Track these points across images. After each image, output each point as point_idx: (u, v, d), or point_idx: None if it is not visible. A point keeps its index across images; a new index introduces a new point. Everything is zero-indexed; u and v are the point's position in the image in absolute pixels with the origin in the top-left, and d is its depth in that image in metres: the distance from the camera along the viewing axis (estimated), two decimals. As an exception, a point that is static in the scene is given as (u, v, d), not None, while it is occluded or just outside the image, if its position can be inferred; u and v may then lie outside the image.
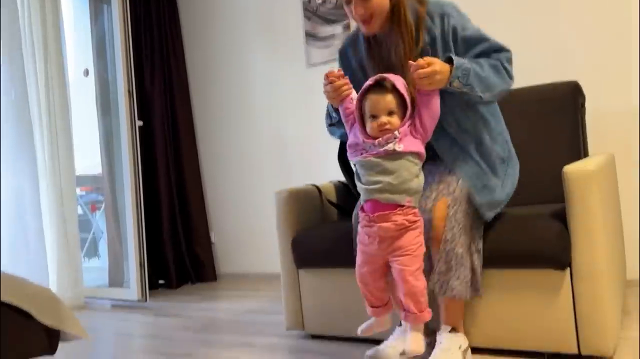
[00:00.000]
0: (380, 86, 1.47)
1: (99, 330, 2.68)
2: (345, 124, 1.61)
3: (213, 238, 3.96)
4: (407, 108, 1.47)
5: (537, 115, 2.22)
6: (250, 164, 3.82)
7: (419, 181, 1.47)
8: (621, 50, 2.53)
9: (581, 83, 2.23)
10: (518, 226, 1.67)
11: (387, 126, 1.45)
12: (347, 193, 2.37)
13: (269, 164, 3.74)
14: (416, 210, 1.48)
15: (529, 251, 1.62)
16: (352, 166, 1.75)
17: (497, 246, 1.66)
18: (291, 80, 3.59)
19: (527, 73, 2.54)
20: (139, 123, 3.33)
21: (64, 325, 1.14)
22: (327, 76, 1.59)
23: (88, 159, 3.94)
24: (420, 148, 1.48)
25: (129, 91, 3.23)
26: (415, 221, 1.46)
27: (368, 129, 1.49)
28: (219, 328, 2.46)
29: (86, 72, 3.60)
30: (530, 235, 1.62)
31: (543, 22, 2.70)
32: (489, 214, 1.63)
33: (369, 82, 1.49)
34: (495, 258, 1.66)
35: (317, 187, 2.37)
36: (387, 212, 1.43)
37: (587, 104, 2.28)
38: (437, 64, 1.44)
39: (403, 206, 1.44)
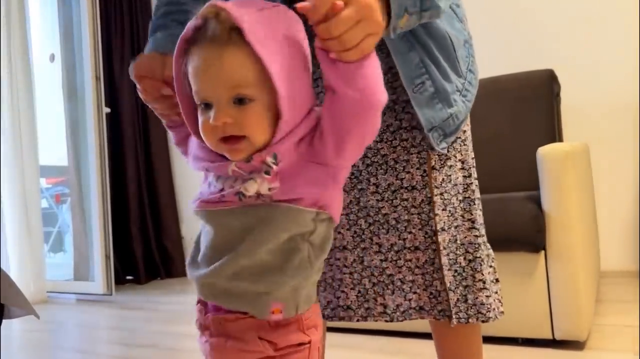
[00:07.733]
0: (208, 34, 0.60)
1: (60, 323, 2.57)
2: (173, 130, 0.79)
3: (183, 232, 3.85)
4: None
5: (513, 103, 2.19)
6: (223, 156, 3.72)
7: (311, 267, 0.65)
8: (597, 43, 2.53)
9: (557, 74, 2.21)
10: (491, 208, 1.61)
11: (229, 131, 0.60)
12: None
13: (242, 155, 3.65)
14: (301, 320, 0.66)
15: (502, 234, 1.57)
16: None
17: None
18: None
19: (504, 61, 2.53)
20: (107, 110, 3.22)
21: (10, 300, 1.03)
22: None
23: (55, 150, 3.79)
24: (323, 193, 0.64)
25: (96, 76, 3.11)
26: (302, 344, 0.66)
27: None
28: (185, 320, 2.37)
29: (52, 58, 3.46)
30: (504, 218, 1.58)
31: (521, 11, 2.69)
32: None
33: (190, 22, 0.62)
34: (469, 242, 1.61)
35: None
36: (234, 318, 0.66)
37: (562, 96, 2.27)
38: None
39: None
